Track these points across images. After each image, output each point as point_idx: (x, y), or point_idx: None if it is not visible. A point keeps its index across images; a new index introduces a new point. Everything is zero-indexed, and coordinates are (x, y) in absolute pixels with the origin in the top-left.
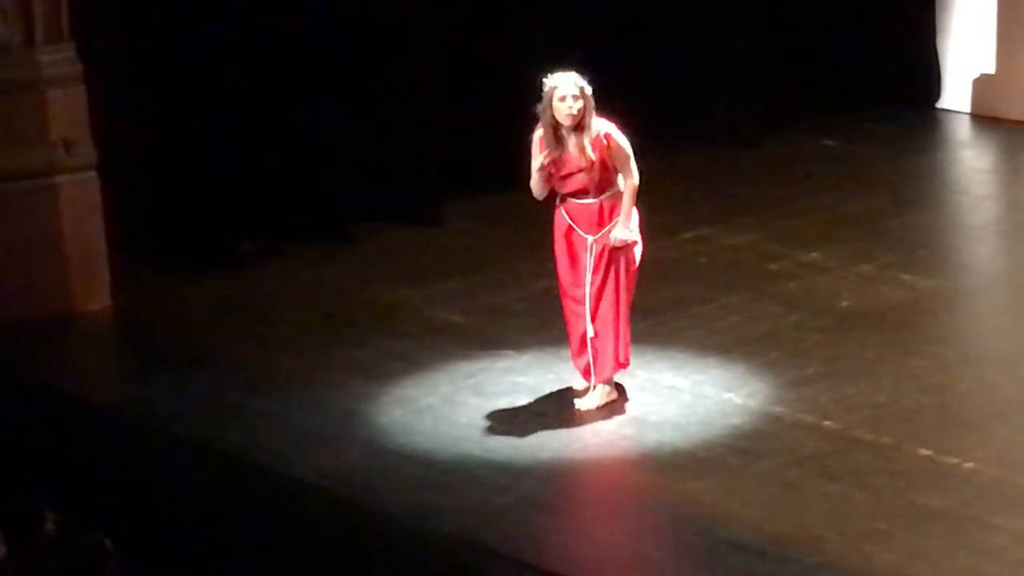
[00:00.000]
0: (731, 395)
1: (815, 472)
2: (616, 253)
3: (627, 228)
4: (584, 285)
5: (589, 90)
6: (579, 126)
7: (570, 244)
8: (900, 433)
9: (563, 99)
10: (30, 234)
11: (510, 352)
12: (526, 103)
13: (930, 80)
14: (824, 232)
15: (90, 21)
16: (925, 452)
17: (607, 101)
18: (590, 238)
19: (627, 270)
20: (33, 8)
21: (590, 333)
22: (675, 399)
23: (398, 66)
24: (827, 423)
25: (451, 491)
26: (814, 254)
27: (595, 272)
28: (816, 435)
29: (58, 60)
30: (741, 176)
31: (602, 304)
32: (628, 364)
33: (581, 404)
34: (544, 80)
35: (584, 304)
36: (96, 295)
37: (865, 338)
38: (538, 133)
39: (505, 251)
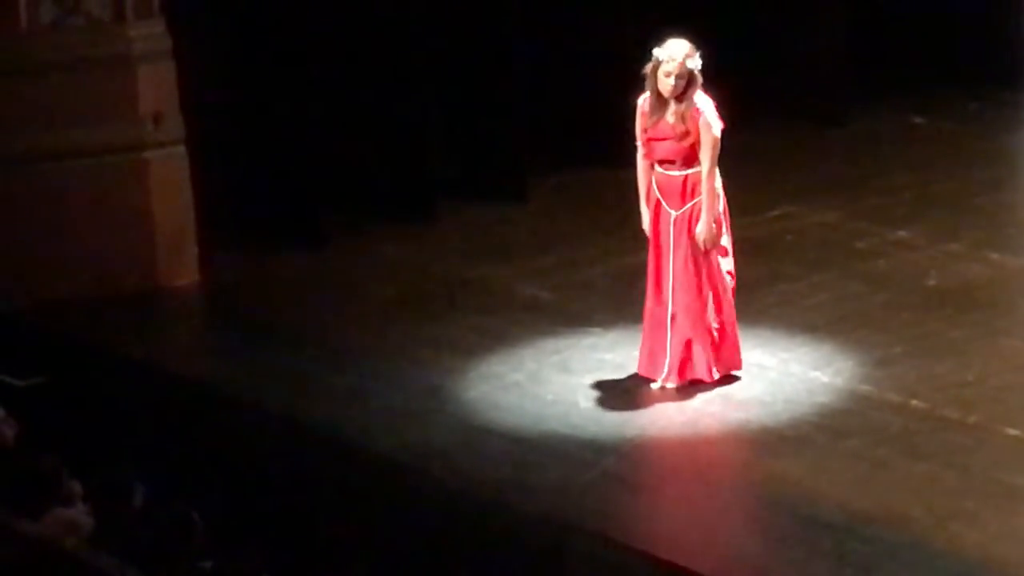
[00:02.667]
0: (818, 373)
1: (902, 451)
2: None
3: (709, 225)
4: (667, 262)
5: (696, 64)
6: (679, 98)
7: (657, 217)
8: (988, 412)
9: (668, 75)
10: (119, 208)
11: (596, 329)
12: (612, 78)
13: (1020, 57)
14: (912, 210)
15: None
16: (1013, 432)
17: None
18: (673, 213)
19: (714, 270)
20: None
21: (669, 309)
22: (761, 377)
23: (483, 42)
24: (914, 402)
25: (536, 467)
26: (902, 232)
27: (676, 248)
28: (903, 414)
29: (148, 35)
30: (829, 153)
31: (687, 295)
32: (734, 369)
33: (658, 384)
34: (655, 49)
35: (666, 282)
36: (184, 270)
37: (953, 317)
38: (642, 98)
39: (591, 228)
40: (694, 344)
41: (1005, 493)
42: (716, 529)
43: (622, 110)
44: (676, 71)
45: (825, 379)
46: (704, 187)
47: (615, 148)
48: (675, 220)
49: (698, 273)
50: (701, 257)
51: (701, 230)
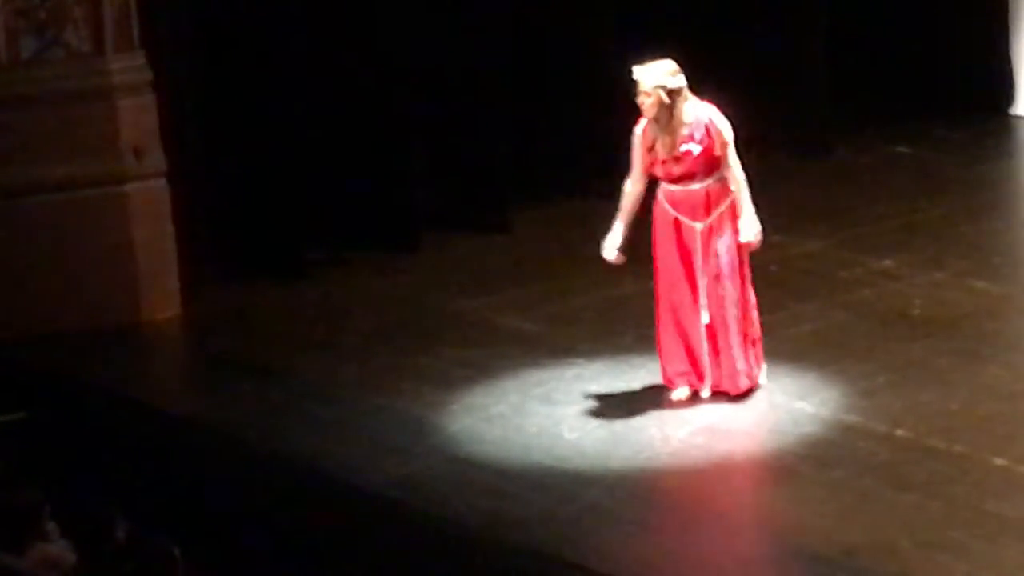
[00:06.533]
0: (803, 403)
1: (887, 481)
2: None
3: (753, 217)
4: (696, 276)
5: (672, 83)
6: (667, 116)
7: (678, 235)
8: (974, 442)
9: (642, 95)
10: (100, 242)
11: (580, 360)
12: (594, 109)
13: (1003, 86)
14: (896, 239)
15: (159, 29)
16: (999, 461)
17: None
18: (699, 226)
19: (741, 264)
20: (103, 16)
21: (705, 320)
22: (746, 408)
23: (466, 73)
24: (899, 432)
25: (520, 499)
26: (886, 261)
27: (707, 259)
28: (888, 444)
29: (128, 68)
30: (812, 183)
31: (724, 306)
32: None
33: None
34: (633, 71)
35: (697, 296)
36: (166, 303)
37: (938, 346)
38: (639, 127)
39: (574, 258)
40: (733, 353)
41: (991, 523)
42: (701, 561)
43: (604, 140)
44: (645, 89)
45: (810, 409)
46: (738, 186)
47: (598, 179)
48: (702, 233)
49: (734, 282)
50: (735, 266)
51: (747, 224)
